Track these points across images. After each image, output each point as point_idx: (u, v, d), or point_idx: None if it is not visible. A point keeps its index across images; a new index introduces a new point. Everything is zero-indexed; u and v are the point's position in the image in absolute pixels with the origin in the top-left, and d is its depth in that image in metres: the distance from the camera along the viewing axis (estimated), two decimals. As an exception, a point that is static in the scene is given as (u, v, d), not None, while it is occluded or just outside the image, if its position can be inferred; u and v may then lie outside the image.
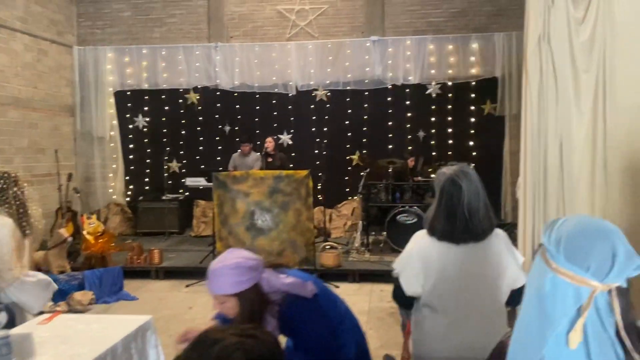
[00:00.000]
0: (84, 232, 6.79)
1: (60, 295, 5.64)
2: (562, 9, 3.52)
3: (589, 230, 1.13)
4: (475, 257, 2.16)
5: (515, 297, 2.19)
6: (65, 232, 6.56)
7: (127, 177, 9.40)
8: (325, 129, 9.00)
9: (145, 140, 9.33)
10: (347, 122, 8.95)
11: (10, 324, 3.19)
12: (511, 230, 5.55)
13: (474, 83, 8.73)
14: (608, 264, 1.07)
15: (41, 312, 3.48)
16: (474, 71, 8.71)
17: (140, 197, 9.13)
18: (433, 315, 2.19)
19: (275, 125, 9.05)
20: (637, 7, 3.42)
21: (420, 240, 2.25)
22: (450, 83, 8.75)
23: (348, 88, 8.88)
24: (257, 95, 9.04)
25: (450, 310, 2.16)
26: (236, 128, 9.11)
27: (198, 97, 9.17)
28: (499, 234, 2.24)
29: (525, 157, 3.63)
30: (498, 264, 2.18)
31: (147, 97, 9.25)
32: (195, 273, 6.73)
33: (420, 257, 2.20)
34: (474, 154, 8.70)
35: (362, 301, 5.84)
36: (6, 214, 3.24)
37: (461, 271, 2.14)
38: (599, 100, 3.51)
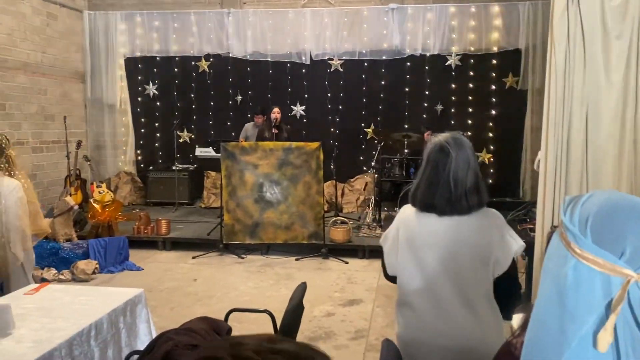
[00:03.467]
0: (91, 201, 6.70)
1: (64, 264, 5.59)
2: (595, -32, 3.21)
3: (622, 207, 0.90)
4: (459, 232, 1.92)
5: (501, 286, 1.94)
6: (71, 200, 6.47)
7: (138, 146, 9.27)
8: (339, 100, 8.72)
9: (156, 109, 9.16)
10: (362, 94, 8.66)
11: (-1, 293, 3.09)
12: (530, 208, 5.30)
13: (496, 55, 8.35)
14: None
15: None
16: (496, 42, 8.32)
17: (151, 167, 9.01)
18: (412, 297, 1.98)
19: (288, 95, 8.79)
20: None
21: (403, 212, 2.07)
22: (471, 54, 8.38)
23: (364, 58, 8.56)
24: (270, 64, 8.77)
25: (428, 292, 1.94)
26: (248, 97, 8.88)
27: (209, 65, 8.93)
28: (492, 213, 1.99)
29: (547, 128, 3.37)
30: (487, 243, 1.91)
31: (157, 64, 9.04)
32: (203, 245, 6.63)
33: (401, 230, 2.02)
34: (494, 128, 8.38)
35: (371, 277, 5.68)
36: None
37: (442, 247, 1.92)
38: (631, 69, 3.22)
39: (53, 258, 5.60)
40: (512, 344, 1.03)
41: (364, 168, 8.70)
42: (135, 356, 2.46)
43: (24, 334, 2.27)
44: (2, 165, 3.38)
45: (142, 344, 2.77)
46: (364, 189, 8.59)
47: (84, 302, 2.68)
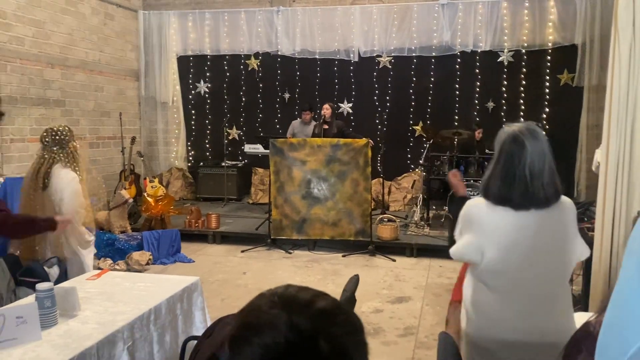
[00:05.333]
0: (145, 195, 6.91)
1: (119, 255, 5.78)
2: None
3: None
4: (539, 226, 1.88)
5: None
6: (126, 193, 6.70)
7: (189, 143, 9.50)
8: (387, 97, 8.66)
9: (207, 106, 9.35)
10: (411, 91, 8.57)
11: (63, 277, 3.23)
12: (587, 207, 5.11)
13: (550, 51, 8.10)
14: None
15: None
16: (551, 38, 8.07)
17: (201, 163, 9.20)
18: (489, 292, 1.94)
19: (335, 92, 8.80)
20: None
21: (474, 206, 1.98)
22: (524, 50, 8.16)
23: (413, 54, 8.47)
24: (318, 62, 8.80)
25: (509, 287, 1.90)
26: (296, 95, 8.94)
27: (259, 63, 9.05)
28: (567, 203, 1.96)
29: (609, 124, 3.24)
30: (565, 235, 1.92)
31: (209, 63, 9.23)
32: (251, 239, 6.73)
33: (474, 224, 1.94)
34: (547, 127, 8.13)
35: (419, 276, 5.62)
36: (59, 165, 3.35)
37: (520, 242, 1.87)
38: (702, 61, 3.05)
39: (109, 249, 5.80)
40: (590, 324, 1.02)
41: (412, 166, 8.62)
42: (193, 341, 2.52)
43: (88, 315, 2.37)
44: (62, 157, 3.40)
45: (197, 331, 2.84)
46: (412, 187, 8.50)
47: (143, 288, 2.77)
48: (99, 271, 3.05)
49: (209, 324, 2.95)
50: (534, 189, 1.86)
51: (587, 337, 1.00)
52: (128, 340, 2.29)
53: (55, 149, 3.41)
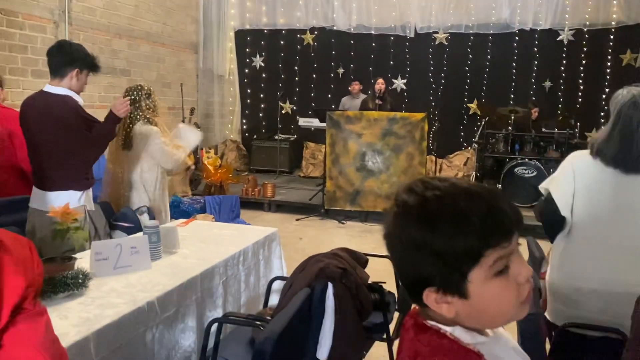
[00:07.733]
0: (206, 162, 7.19)
1: (184, 216, 6.03)
2: None
3: None
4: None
5: None
6: (189, 160, 6.97)
7: (243, 116, 9.74)
8: (442, 74, 8.66)
9: (262, 80, 9.55)
10: (466, 68, 8.53)
11: (151, 225, 3.47)
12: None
13: (613, 30, 7.91)
14: None
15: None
16: (615, 16, 7.87)
17: (255, 136, 9.44)
18: (577, 244, 2.02)
19: (390, 68, 8.85)
20: None
21: (579, 160, 2.05)
22: (585, 29, 7.99)
23: (471, 32, 8.41)
24: (374, 37, 8.85)
25: (598, 240, 1.98)
26: (350, 70, 9.03)
27: (314, 38, 9.16)
28: None
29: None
30: None
31: (265, 37, 9.41)
32: (305, 209, 6.93)
33: (578, 176, 2.01)
34: (606, 108, 7.96)
35: (473, 249, 5.68)
36: (140, 123, 3.48)
37: (622, 201, 1.94)
38: None
39: (174, 210, 6.07)
40: None
41: (465, 144, 8.62)
42: (278, 281, 2.72)
43: (187, 253, 2.59)
44: (139, 116, 3.47)
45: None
46: (464, 165, 8.51)
47: (229, 234, 2.98)
48: (185, 219, 3.29)
49: (285, 271, 3.15)
50: None
51: None
52: (223, 276, 2.50)
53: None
